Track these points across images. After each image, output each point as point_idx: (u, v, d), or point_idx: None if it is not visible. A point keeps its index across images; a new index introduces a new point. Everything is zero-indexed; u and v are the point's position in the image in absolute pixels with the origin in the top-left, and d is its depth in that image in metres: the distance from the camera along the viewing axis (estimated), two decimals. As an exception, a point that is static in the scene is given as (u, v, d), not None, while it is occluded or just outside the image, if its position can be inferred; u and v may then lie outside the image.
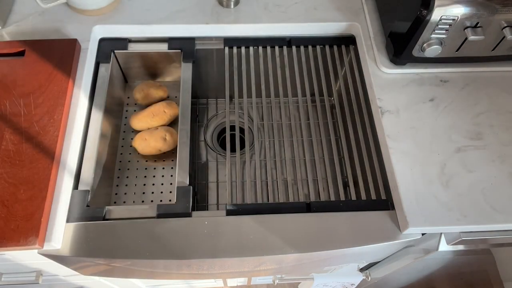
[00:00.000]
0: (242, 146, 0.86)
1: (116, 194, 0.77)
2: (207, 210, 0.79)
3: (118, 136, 0.82)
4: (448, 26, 0.59)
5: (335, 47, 0.80)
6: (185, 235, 0.56)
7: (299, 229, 0.57)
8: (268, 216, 0.58)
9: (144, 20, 0.74)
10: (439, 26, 0.59)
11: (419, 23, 0.59)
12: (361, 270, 0.86)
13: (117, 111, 0.81)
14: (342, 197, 0.69)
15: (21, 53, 0.67)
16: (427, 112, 0.66)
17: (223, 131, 0.90)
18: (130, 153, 0.82)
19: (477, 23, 0.59)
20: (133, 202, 0.77)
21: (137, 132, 0.81)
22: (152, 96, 0.81)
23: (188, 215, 0.58)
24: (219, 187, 0.82)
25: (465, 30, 0.60)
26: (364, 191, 0.66)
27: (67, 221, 0.57)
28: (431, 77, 0.70)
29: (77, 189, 0.61)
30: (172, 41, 0.76)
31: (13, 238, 0.51)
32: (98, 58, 0.73)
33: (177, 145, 0.66)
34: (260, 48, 0.78)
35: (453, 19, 0.58)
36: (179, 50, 0.76)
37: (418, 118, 0.65)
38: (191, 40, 0.76)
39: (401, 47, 0.66)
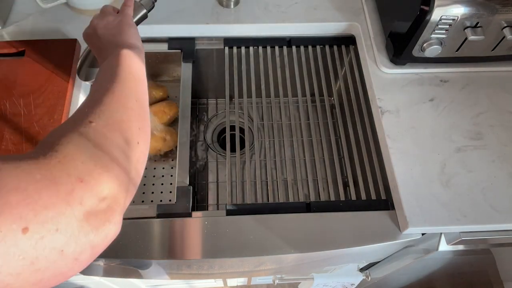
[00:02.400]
0: (242, 146, 0.86)
1: (116, 194, 0.77)
2: (207, 210, 0.79)
3: (118, 136, 0.82)
4: (448, 26, 0.59)
5: (335, 47, 0.80)
6: (185, 235, 0.56)
7: (299, 229, 0.57)
8: (268, 216, 0.58)
9: (144, 20, 0.74)
10: (439, 26, 0.59)
11: (419, 23, 0.59)
12: (361, 270, 0.86)
13: (117, 111, 0.81)
14: (342, 197, 0.69)
15: (21, 53, 0.67)
16: (427, 112, 0.66)
17: (223, 131, 0.90)
18: (130, 153, 0.82)
19: (477, 23, 0.59)
20: (133, 202, 0.77)
21: (137, 132, 0.81)
22: (152, 96, 0.81)
23: (188, 215, 0.58)
24: (219, 187, 0.82)
25: (465, 30, 0.60)
26: (364, 191, 0.65)
27: (67, 221, 0.57)
28: (431, 77, 0.70)
29: (77, 189, 0.61)
30: (172, 41, 0.76)
31: (13, 238, 0.51)
32: (98, 58, 0.73)
33: (177, 145, 0.66)
34: (260, 48, 0.78)
35: (453, 19, 0.58)
36: (179, 50, 0.76)
37: (418, 118, 0.65)
38: (191, 40, 0.76)
39: (401, 47, 0.66)
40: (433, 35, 0.61)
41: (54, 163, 0.24)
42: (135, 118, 0.33)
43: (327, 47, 0.79)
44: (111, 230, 0.26)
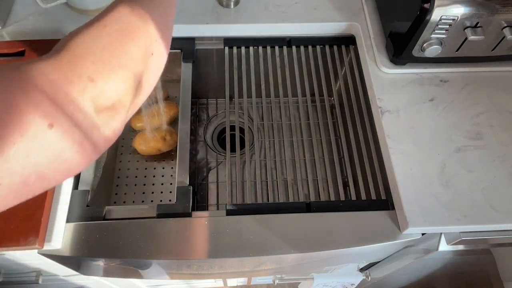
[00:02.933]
0: (242, 146, 0.86)
1: (116, 194, 0.77)
2: (207, 210, 0.79)
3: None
4: (448, 26, 0.59)
5: (335, 47, 0.80)
6: (185, 235, 0.56)
7: (299, 229, 0.57)
8: (268, 216, 0.58)
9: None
10: (439, 26, 0.59)
11: (419, 23, 0.59)
12: (361, 270, 0.86)
13: (117, 111, 0.81)
14: (342, 197, 0.69)
15: (21, 53, 0.67)
16: (427, 112, 0.66)
17: (223, 131, 0.90)
18: (130, 153, 0.82)
19: (477, 23, 0.59)
20: (133, 202, 0.77)
21: (137, 132, 0.81)
22: (153, 96, 0.81)
23: (188, 215, 0.58)
24: (219, 187, 0.82)
25: (465, 30, 0.60)
26: (364, 191, 0.65)
27: (67, 221, 0.57)
28: (431, 77, 0.70)
29: (77, 189, 0.61)
30: (172, 41, 0.76)
31: (13, 238, 0.51)
32: (98, 58, 0.73)
33: (177, 145, 0.66)
34: (260, 48, 0.78)
35: (453, 19, 0.58)
36: (179, 50, 0.76)
37: (418, 118, 0.65)
38: (191, 40, 0.76)
39: (401, 47, 0.66)
40: (433, 35, 0.61)
41: (65, 62, 0.26)
42: (154, 30, 0.32)
43: (327, 47, 0.79)
44: (117, 126, 0.29)
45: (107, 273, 0.69)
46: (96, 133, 0.27)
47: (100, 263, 0.60)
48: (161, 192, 0.78)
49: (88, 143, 0.26)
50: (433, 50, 0.63)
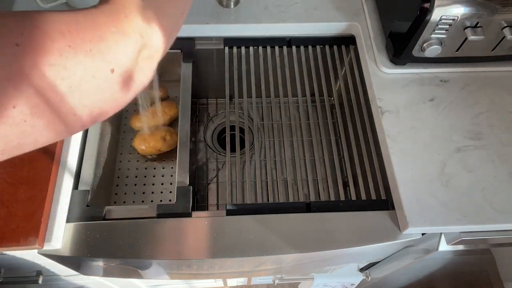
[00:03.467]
0: (242, 146, 0.86)
1: (116, 194, 0.77)
2: (207, 210, 0.79)
3: (118, 136, 0.82)
4: (448, 26, 0.59)
5: (335, 47, 0.80)
6: (185, 235, 0.56)
7: (299, 229, 0.57)
8: (268, 216, 0.58)
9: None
10: (439, 26, 0.59)
11: (419, 23, 0.59)
12: (361, 270, 0.86)
13: (117, 111, 0.81)
14: (342, 197, 0.69)
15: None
16: (427, 112, 0.66)
17: (223, 131, 0.90)
18: (130, 153, 0.82)
19: (477, 23, 0.59)
20: (133, 202, 0.77)
21: (137, 132, 0.81)
22: (153, 96, 0.81)
23: (188, 215, 0.58)
24: (219, 187, 0.82)
25: (465, 30, 0.60)
26: (364, 191, 0.65)
27: (67, 221, 0.57)
28: (431, 77, 0.70)
29: (77, 189, 0.61)
30: (172, 41, 0.76)
31: (13, 238, 0.51)
32: (98, 58, 0.73)
33: (177, 145, 0.66)
34: (260, 48, 0.78)
35: (453, 19, 0.58)
36: (179, 50, 0.76)
37: (418, 118, 0.65)
38: (191, 40, 0.76)
39: (401, 47, 0.66)
40: (433, 35, 0.61)
41: (122, 18, 0.30)
42: None
43: (327, 47, 0.79)
44: (152, 69, 0.34)
45: (107, 273, 0.69)
46: (141, 74, 0.32)
47: (100, 263, 0.60)
48: (161, 192, 0.78)
49: (137, 80, 0.32)
50: (433, 50, 0.63)
